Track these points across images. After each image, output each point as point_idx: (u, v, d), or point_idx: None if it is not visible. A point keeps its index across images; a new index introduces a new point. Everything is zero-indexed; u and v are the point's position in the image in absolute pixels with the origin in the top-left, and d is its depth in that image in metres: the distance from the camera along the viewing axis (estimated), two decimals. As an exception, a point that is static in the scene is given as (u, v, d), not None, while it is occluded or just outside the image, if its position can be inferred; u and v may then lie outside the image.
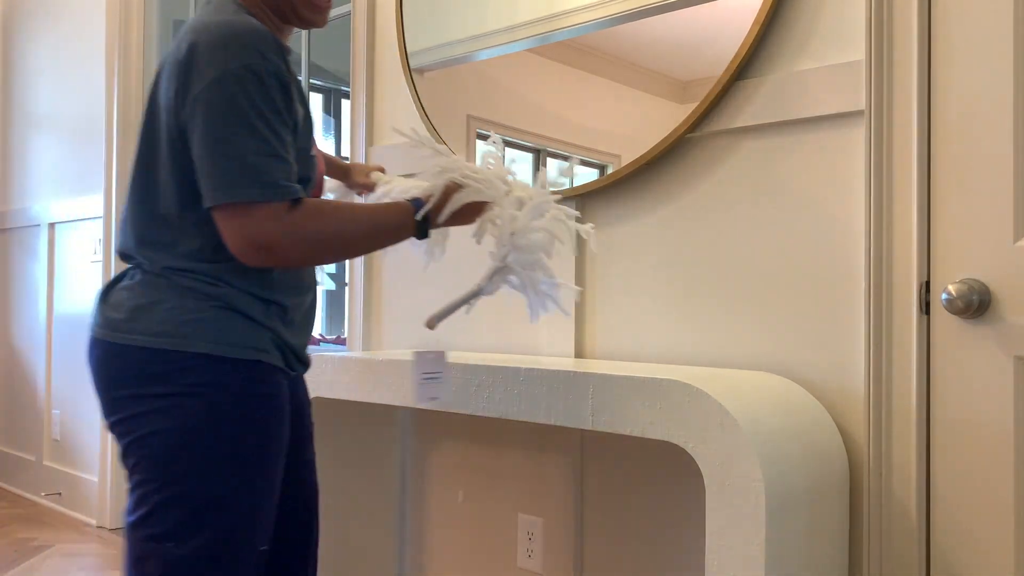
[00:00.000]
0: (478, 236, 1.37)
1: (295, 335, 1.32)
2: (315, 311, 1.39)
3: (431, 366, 1.35)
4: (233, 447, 1.21)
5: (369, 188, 1.65)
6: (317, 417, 1.97)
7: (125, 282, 1.27)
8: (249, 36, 1.17)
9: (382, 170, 1.70)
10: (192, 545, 1.18)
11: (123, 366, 1.21)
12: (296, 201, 1.18)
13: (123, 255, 1.29)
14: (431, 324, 1.32)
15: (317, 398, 1.93)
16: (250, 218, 1.14)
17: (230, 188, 1.14)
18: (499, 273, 1.35)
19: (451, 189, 1.32)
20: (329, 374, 1.85)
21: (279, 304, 1.27)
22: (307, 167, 1.28)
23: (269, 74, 1.16)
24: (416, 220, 1.29)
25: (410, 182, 1.55)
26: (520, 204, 1.35)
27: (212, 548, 1.19)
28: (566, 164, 1.65)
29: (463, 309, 1.35)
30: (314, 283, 1.38)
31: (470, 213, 1.35)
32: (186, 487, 1.18)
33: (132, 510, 1.20)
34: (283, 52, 1.22)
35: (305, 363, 1.37)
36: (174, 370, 1.19)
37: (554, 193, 1.40)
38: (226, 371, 1.21)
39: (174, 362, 1.19)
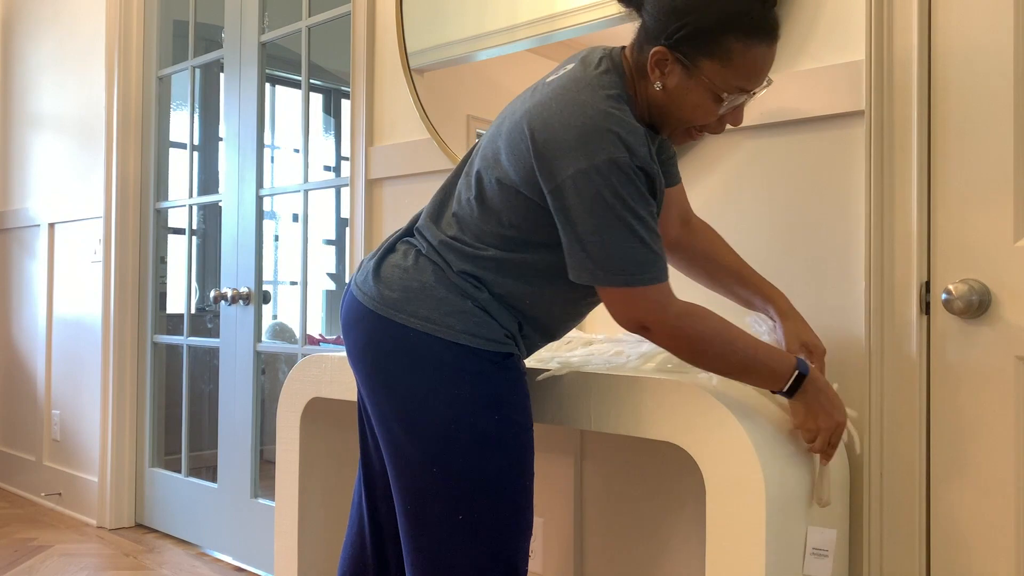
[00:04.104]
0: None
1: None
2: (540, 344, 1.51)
3: (821, 542, 1.35)
4: None
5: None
6: (317, 417, 1.97)
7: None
8: (617, 129, 1.24)
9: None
10: None
11: None
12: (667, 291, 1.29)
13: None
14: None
15: (316, 398, 1.93)
16: (638, 302, 1.28)
17: (622, 274, 1.26)
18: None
19: (837, 433, 1.36)
20: (329, 374, 1.85)
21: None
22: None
23: (636, 168, 1.24)
24: (790, 384, 1.32)
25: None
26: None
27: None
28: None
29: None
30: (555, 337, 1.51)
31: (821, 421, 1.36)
32: None
33: None
34: (649, 141, 1.29)
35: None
36: None
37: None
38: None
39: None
